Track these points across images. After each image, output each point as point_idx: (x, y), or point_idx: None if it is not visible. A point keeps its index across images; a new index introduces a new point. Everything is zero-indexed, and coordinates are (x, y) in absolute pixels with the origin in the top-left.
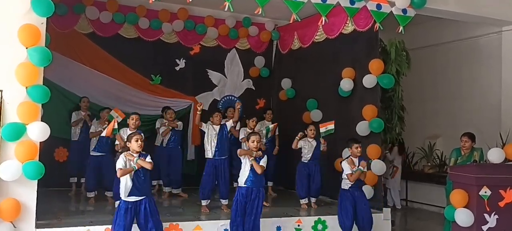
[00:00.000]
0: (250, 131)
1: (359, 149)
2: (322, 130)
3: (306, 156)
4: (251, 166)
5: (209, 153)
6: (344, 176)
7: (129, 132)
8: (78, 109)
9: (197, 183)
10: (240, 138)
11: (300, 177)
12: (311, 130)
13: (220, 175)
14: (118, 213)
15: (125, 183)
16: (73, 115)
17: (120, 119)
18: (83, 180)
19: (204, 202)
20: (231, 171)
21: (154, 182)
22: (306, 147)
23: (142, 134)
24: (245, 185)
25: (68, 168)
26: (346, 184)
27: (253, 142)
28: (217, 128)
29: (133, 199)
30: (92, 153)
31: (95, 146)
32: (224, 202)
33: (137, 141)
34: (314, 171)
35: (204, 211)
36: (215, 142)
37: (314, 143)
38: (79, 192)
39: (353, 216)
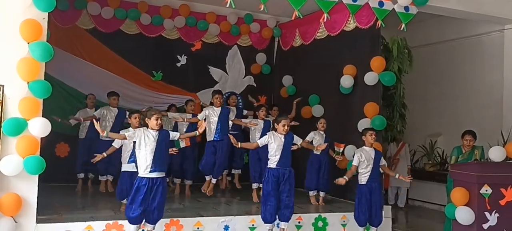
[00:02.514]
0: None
1: (373, 137)
2: (336, 148)
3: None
4: (282, 145)
5: (210, 136)
6: (360, 170)
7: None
8: (79, 105)
9: (196, 179)
10: (245, 124)
11: (310, 169)
12: (321, 123)
13: (218, 154)
14: (135, 189)
15: (145, 158)
16: (79, 112)
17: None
18: (90, 177)
19: (208, 177)
20: (231, 160)
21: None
22: (317, 138)
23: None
24: (276, 166)
25: (76, 165)
26: (363, 179)
27: (283, 125)
28: (218, 110)
29: (152, 175)
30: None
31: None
32: (214, 181)
33: (157, 119)
34: (324, 164)
35: (207, 186)
36: (216, 124)
37: (324, 136)
38: (85, 188)
39: (369, 211)
